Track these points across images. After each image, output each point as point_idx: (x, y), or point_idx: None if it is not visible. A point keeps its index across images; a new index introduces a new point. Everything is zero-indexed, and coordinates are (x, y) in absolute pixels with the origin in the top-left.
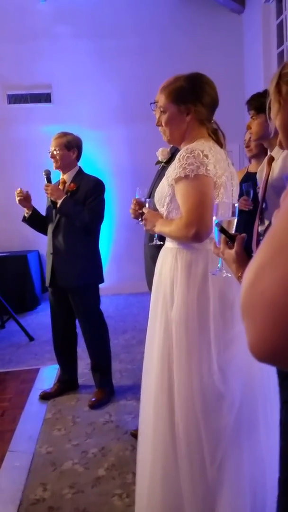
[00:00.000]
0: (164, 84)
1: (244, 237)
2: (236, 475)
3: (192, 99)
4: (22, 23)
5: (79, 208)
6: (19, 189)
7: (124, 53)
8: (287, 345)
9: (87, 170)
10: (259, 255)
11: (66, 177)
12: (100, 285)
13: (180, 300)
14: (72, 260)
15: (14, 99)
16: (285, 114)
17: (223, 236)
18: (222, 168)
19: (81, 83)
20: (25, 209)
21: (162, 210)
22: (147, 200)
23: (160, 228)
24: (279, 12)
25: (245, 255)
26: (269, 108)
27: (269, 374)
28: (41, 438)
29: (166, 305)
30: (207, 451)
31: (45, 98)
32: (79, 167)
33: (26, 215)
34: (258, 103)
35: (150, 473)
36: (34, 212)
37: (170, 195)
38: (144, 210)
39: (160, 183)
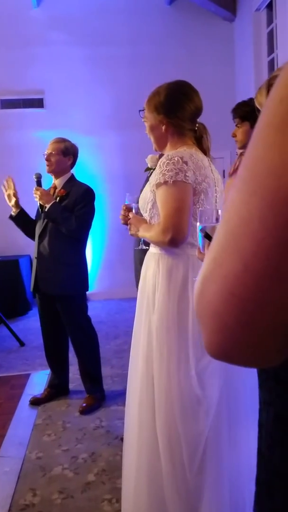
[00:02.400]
0: (150, 95)
1: None
2: (216, 480)
3: (165, 112)
4: (15, 29)
5: (66, 214)
6: (8, 178)
7: (117, 61)
8: (231, 347)
9: (79, 176)
10: (203, 267)
11: (58, 182)
12: (92, 290)
13: (160, 305)
14: (55, 267)
15: (7, 104)
16: None
17: (207, 242)
18: (203, 174)
19: (74, 89)
20: (13, 208)
21: (145, 215)
22: (134, 205)
23: (142, 233)
24: (270, 20)
25: None
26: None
27: (249, 376)
28: (31, 443)
29: (149, 309)
30: (186, 456)
31: (38, 103)
32: (72, 173)
33: (13, 214)
34: (242, 112)
35: (136, 478)
36: (22, 212)
37: (152, 200)
38: (130, 215)
39: (144, 189)
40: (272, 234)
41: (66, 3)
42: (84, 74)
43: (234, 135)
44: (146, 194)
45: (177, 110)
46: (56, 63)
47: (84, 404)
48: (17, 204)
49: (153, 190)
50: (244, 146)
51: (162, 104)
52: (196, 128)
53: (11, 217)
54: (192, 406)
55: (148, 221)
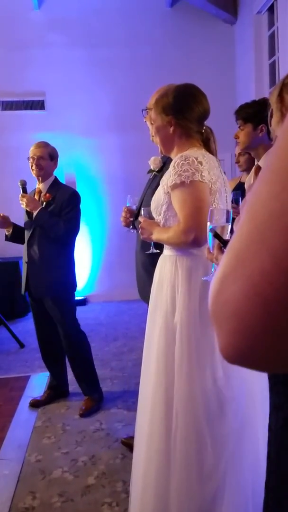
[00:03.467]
0: (156, 95)
1: None
2: (237, 484)
3: (174, 113)
4: (16, 31)
5: (54, 220)
6: None
7: (117, 63)
8: (251, 351)
9: (79, 178)
10: (222, 265)
11: (42, 186)
12: (91, 292)
13: (182, 306)
14: (45, 271)
15: (7, 106)
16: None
17: (217, 241)
18: (216, 174)
19: (75, 91)
20: (6, 229)
21: (159, 218)
22: (143, 208)
23: (157, 236)
24: (271, 23)
25: None
26: (271, 116)
27: (261, 378)
28: (31, 446)
29: (166, 312)
30: (210, 460)
31: (39, 105)
32: (55, 176)
33: (7, 234)
34: (245, 113)
35: (143, 483)
36: (15, 228)
37: (166, 203)
38: (140, 219)
39: (156, 191)
40: None
41: (66, 5)
42: (85, 76)
43: (236, 137)
44: (160, 196)
45: (185, 111)
46: (56, 65)
47: (83, 407)
48: (9, 223)
49: (168, 191)
50: (246, 148)
51: (170, 105)
52: (203, 131)
53: (7, 238)
54: (219, 409)
55: (162, 223)
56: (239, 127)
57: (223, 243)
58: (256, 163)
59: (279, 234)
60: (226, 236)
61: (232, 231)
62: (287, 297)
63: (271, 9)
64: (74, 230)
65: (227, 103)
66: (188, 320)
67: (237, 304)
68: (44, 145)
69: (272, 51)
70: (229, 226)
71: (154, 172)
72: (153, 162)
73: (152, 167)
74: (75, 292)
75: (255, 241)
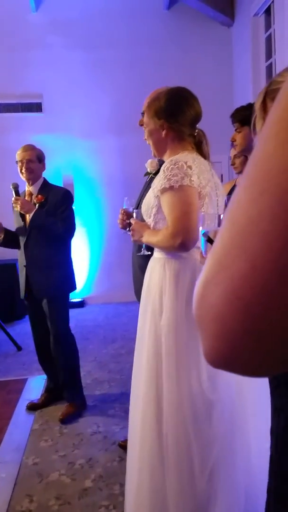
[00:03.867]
0: (148, 100)
1: None
2: (230, 485)
3: (166, 117)
4: (14, 33)
5: (51, 219)
6: None
7: (116, 65)
8: (233, 355)
9: (77, 180)
10: (205, 270)
11: (32, 189)
12: (90, 294)
13: (169, 309)
14: (46, 270)
15: (5, 108)
16: None
17: (209, 245)
18: (206, 178)
19: (73, 93)
20: None
21: (149, 220)
22: (135, 211)
23: (147, 238)
24: (268, 25)
25: None
26: (254, 124)
27: (259, 382)
28: (28, 449)
29: (155, 314)
30: (197, 461)
31: (36, 107)
32: (44, 178)
33: None
34: (242, 116)
35: (137, 484)
36: (7, 233)
37: (156, 206)
38: (132, 221)
39: (147, 194)
40: (283, 234)
41: (65, 7)
42: (83, 78)
43: (233, 140)
44: (150, 200)
45: (177, 115)
46: (54, 67)
47: (64, 413)
48: (1, 229)
49: (158, 195)
50: (243, 151)
51: (162, 109)
52: (196, 134)
53: None
54: (205, 411)
55: (152, 226)
56: (235, 129)
57: None
58: None
59: (257, 239)
60: None
61: None
62: (267, 300)
63: (268, 12)
64: (72, 228)
65: (224, 105)
66: (175, 323)
67: (219, 308)
68: (31, 148)
69: (269, 53)
70: None
71: (150, 175)
72: (150, 165)
73: (148, 170)
74: (75, 293)
75: (235, 246)
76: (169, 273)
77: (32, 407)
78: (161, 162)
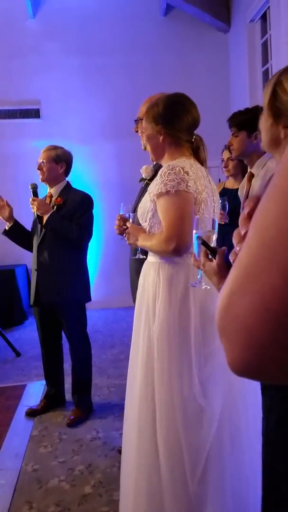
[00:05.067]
0: (147, 105)
1: (225, 250)
2: (218, 490)
3: (163, 123)
4: (12, 40)
5: (66, 223)
6: None
7: (112, 71)
8: (260, 364)
9: (75, 185)
10: (230, 280)
11: (53, 191)
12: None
13: (161, 314)
14: (57, 276)
15: (3, 114)
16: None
17: (203, 249)
18: (203, 184)
19: (70, 99)
20: (6, 222)
21: (145, 224)
22: (131, 214)
23: (142, 242)
24: (264, 31)
25: (226, 268)
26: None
27: (251, 386)
28: (27, 455)
29: (148, 319)
30: (188, 465)
31: (34, 113)
32: (67, 181)
33: (6, 227)
34: (239, 121)
35: (135, 490)
36: (16, 225)
37: (152, 210)
38: (128, 224)
39: (143, 198)
40: None
41: (62, 14)
42: (80, 84)
43: (230, 144)
44: (146, 204)
45: (174, 121)
46: (52, 73)
47: (71, 417)
48: (11, 216)
49: (154, 199)
50: (240, 155)
51: (160, 115)
52: (193, 140)
53: (4, 232)
54: (195, 415)
55: (147, 230)
56: (232, 134)
57: (211, 250)
58: (248, 170)
59: (287, 251)
60: (211, 244)
61: (218, 237)
62: None
63: (264, 18)
64: (87, 234)
65: (221, 110)
66: (167, 327)
67: (247, 318)
68: (48, 149)
69: (265, 58)
70: (215, 235)
71: (146, 181)
72: (145, 171)
73: (143, 176)
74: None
75: (264, 257)
76: (163, 277)
77: (31, 413)
78: (155, 168)
